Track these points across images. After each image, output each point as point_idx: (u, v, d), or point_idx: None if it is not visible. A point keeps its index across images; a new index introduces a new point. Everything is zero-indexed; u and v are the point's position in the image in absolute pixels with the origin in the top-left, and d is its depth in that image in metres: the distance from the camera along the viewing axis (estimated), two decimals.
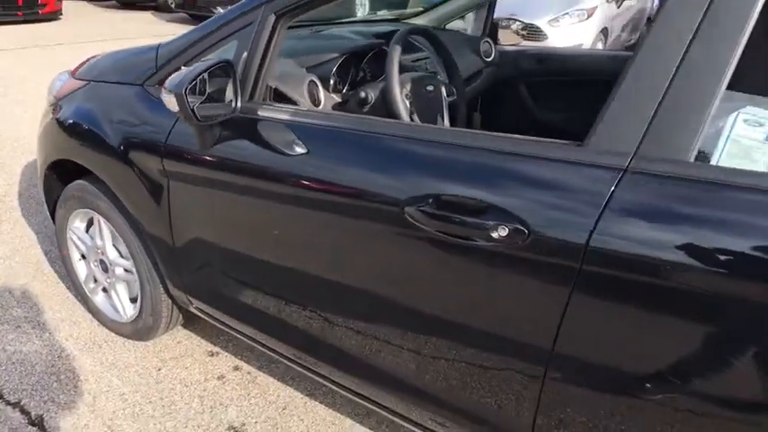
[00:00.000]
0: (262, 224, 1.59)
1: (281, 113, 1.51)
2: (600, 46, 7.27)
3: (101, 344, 2.21)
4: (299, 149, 1.43)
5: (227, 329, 1.89)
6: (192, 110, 1.38)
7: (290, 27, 1.60)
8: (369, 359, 1.48)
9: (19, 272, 2.65)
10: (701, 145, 0.97)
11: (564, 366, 1.14)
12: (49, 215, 2.38)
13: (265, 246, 1.62)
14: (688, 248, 0.95)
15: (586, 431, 1.17)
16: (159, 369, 2.10)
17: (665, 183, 0.98)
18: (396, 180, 1.27)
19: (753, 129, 0.96)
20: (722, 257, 0.93)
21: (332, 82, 1.91)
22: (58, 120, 2.06)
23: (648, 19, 8.96)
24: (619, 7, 7.71)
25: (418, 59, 2.25)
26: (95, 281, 2.25)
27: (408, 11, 2.97)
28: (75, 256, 2.28)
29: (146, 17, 12.24)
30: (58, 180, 2.22)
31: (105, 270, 2.15)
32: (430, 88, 1.83)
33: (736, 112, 0.97)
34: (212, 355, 2.19)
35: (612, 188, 1.01)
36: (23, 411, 1.88)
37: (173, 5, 11.92)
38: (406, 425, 1.53)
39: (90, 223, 2.17)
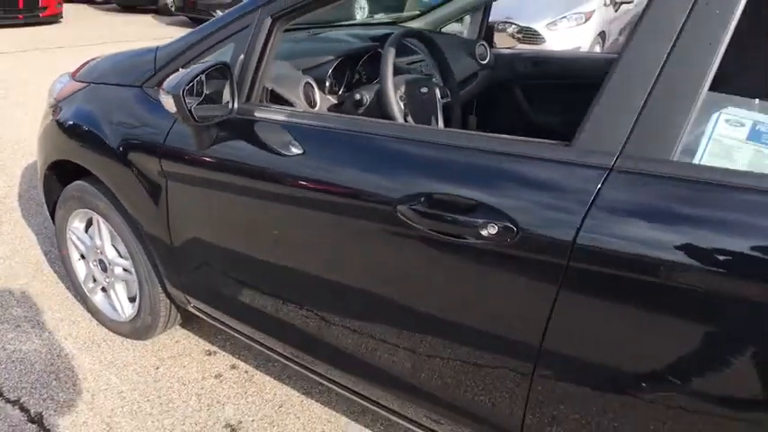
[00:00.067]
0: (258, 224, 1.61)
1: (277, 114, 1.53)
2: (597, 49, 7.30)
3: (99, 343, 2.23)
4: (295, 150, 1.45)
5: (224, 328, 1.92)
6: (190, 111, 1.41)
7: (286, 30, 1.63)
8: (364, 357, 1.50)
9: (19, 272, 2.67)
10: (684, 144, 1.00)
11: (552, 363, 1.17)
12: (48, 216, 2.41)
13: (262, 245, 1.64)
14: (672, 245, 0.97)
15: (575, 427, 1.19)
16: (157, 368, 2.12)
17: (650, 181, 1.01)
18: (388, 179, 1.29)
19: (734, 129, 0.99)
20: (705, 254, 0.95)
21: (328, 84, 1.94)
22: (58, 121, 2.09)
23: None
24: (616, 11, 7.74)
25: (413, 62, 2.28)
26: (94, 280, 2.27)
27: (405, 14, 3.01)
28: (75, 255, 2.30)
29: (146, 20, 12.28)
30: (58, 181, 2.24)
31: (104, 270, 2.18)
32: (424, 90, 1.86)
33: (718, 113, 1.00)
34: (210, 354, 2.21)
35: (599, 187, 1.04)
36: (23, 409, 1.90)
37: (172, 8, 11.96)
38: (401, 422, 1.55)
39: (89, 223, 2.20)
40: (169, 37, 1.94)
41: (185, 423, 1.88)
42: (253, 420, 1.90)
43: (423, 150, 1.28)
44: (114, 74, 1.99)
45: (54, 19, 10.67)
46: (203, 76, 1.43)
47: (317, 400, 1.99)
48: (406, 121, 1.82)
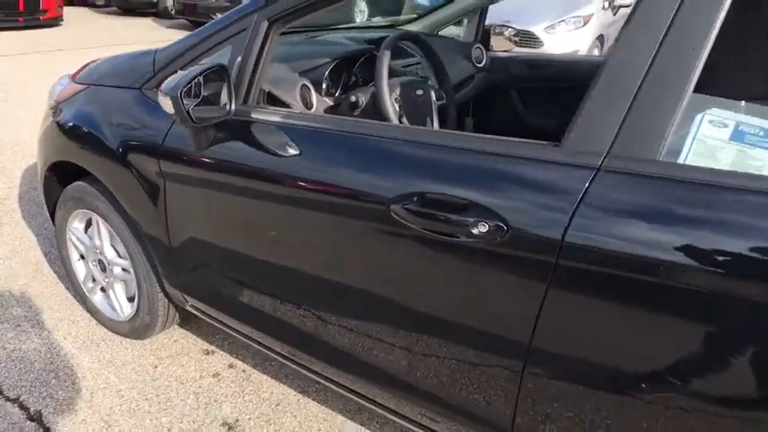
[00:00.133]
0: (255, 224, 1.64)
1: (273, 116, 1.56)
2: (596, 53, 7.33)
3: (98, 342, 2.25)
4: (292, 151, 1.48)
5: (222, 327, 1.94)
6: (188, 112, 1.43)
7: (284, 33, 1.66)
8: (361, 355, 1.52)
9: (19, 272, 2.69)
10: (669, 145, 1.02)
11: (541, 360, 1.19)
12: (48, 216, 2.43)
13: (259, 245, 1.66)
14: (658, 243, 1.00)
15: (564, 424, 1.21)
16: (156, 367, 2.14)
17: (636, 181, 1.03)
18: (382, 180, 1.32)
19: (718, 129, 1.01)
20: (690, 251, 0.97)
21: (324, 86, 1.97)
22: (58, 123, 2.12)
23: None
24: (615, 14, 7.78)
25: (409, 65, 2.31)
26: (94, 280, 2.29)
27: (402, 17, 3.03)
28: (74, 256, 2.32)
29: (146, 23, 12.33)
30: (58, 182, 2.27)
31: (103, 270, 2.20)
32: (419, 92, 1.88)
33: (702, 114, 1.02)
34: (208, 353, 2.23)
35: (586, 186, 1.06)
36: (22, 407, 1.92)
37: (173, 12, 12.01)
38: (397, 420, 1.57)
39: (89, 224, 2.22)
40: (169, 40, 1.96)
41: (183, 421, 1.90)
42: (250, 419, 1.92)
43: (415, 151, 1.31)
44: (114, 76, 2.02)
45: (54, 22, 10.71)
46: (201, 78, 1.46)
47: (313, 399, 2.01)
48: (401, 122, 1.84)
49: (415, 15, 2.98)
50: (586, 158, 1.08)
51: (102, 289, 2.28)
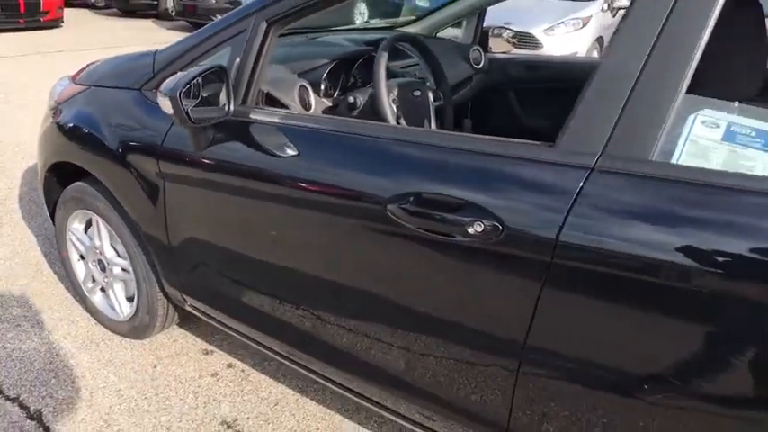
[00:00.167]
0: (253, 224, 1.65)
1: (272, 117, 1.57)
2: (595, 55, 7.36)
3: (98, 342, 2.26)
4: (290, 151, 1.49)
5: (221, 327, 1.95)
6: (186, 113, 1.44)
7: (282, 34, 1.67)
8: (358, 354, 1.53)
9: (19, 272, 2.71)
10: (662, 145, 1.03)
11: (536, 359, 1.20)
12: (48, 217, 2.44)
13: (257, 245, 1.68)
14: (650, 242, 1.01)
15: (559, 422, 1.22)
16: (155, 366, 2.15)
17: (630, 180, 1.04)
18: (379, 179, 1.33)
19: (710, 130, 1.02)
20: (682, 250, 0.98)
21: (323, 87, 1.98)
22: (58, 123, 2.13)
23: None
24: (614, 16, 7.80)
25: (407, 66, 2.32)
26: (93, 281, 2.30)
27: (401, 19, 3.05)
28: (74, 256, 2.34)
29: (146, 25, 12.35)
30: (58, 182, 2.28)
31: (103, 270, 2.21)
32: (417, 93, 1.90)
33: (695, 114, 1.03)
34: (207, 353, 2.24)
35: (581, 186, 1.07)
36: (22, 406, 1.94)
37: (173, 13, 12.04)
38: (394, 418, 1.58)
39: (88, 224, 2.23)
40: (169, 42, 1.98)
41: (182, 420, 1.91)
42: (248, 418, 1.93)
43: (411, 151, 1.32)
44: (113, 77, 2.03)
45: (55, 23, 10.73)
46: (200, 79, 1.47)
47: (311, 398, 2.02)
48: (398, 123, 1.85)
49: (413, 17, 3.00)
50: (580, 159, 1.09)
51: (102, 289, 2.29)
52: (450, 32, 3.07)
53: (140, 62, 1.95)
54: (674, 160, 1.05)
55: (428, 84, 2.12)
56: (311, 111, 1.86)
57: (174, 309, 2.16)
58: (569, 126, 1.12)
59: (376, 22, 3.14)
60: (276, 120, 1.56)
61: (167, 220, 1.82)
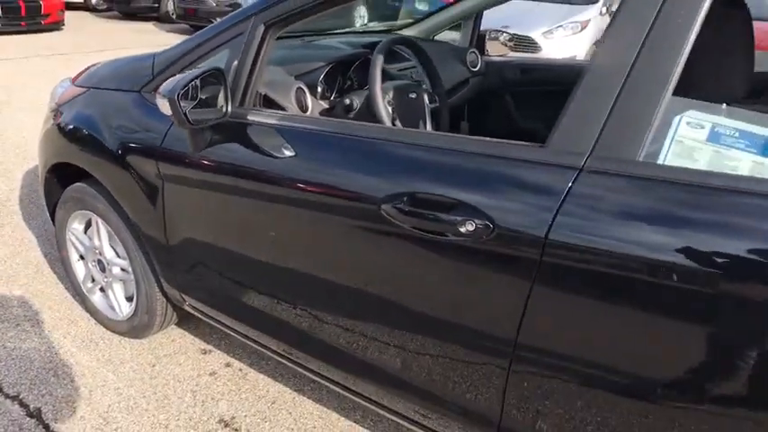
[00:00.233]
0: (251, 224, 1.67)
1: (269, 118, 1.60)
2: None
3: (97, 341, 2.28)
4: (287, 152, 1.51)
5: (219, 326, 1.97)
6: (185, 114, 1.47)
7: (280, 37, 1.69)
8: (355, 353, 1.55)
9: (19, 273, 2.73)
10: (649, 145, 1.06)
11: (528, 355, 1.22)
12: (49, 218, 2.47)
13: (255, 245, 1.70)
14: (636, 240, 1.03)
15: (552, 419, 1.24)
16: (153, 365, 2.17)
17: (617, 180, 1.07)
18: (374, 180, 1.36)
19: (695, 130, 1.05)
20: (667, 248, 1.01)
21: (320, 89, 2.01)
22: (58, 125, 2.15)
23: None
24: None
25: (404, 69, 2.35)
26: (93, 280, 2.33)
27: (399, 22, 3.08)
28: (74, 256, 2.36)
29: (147, 27, 12.38)
30: (58, 183, 2.30)
31: (103, 270, 2.24)
32: (412, 95, 1.92)
33: (680, 116, 1.06)
34: (205, 352, 2.26)
35: (570, 185, 1.10)
36: (22, 404, 1.96)
37: (173, 16, 12.08)
38: (391, 417, 1.60)
39: (88, 224, 2.26)
40: (169, 44, 2.00)
41: (180, 418, 1.93)
42: (246, 416, 1.95)
43: (405, 152, 1.34)
44: (113, 79, 2.06)
45: (56, 26, 10.78)
46: (198, 81, 1.49)
47: (308, 397, 2.04)
48: (394, 124, 1.88)
49: (411, 20, 3.03)
50: (570, 159, 1.11)
51: (102, 289, 2.31)
52: (448, 36, 3.10)
53: (140, 64, 1.98)
54: (660, 161, 1.07)
55: (424, 86, 2.15)
56: (308, 113, 1.88)
57: (173, 308, 2.18)
58: (559, 127, 1.14)
59: (374, 26, 3.17)
60: (273, 121, 1.58)
61: (166, 221, 1.84)
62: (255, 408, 1.99)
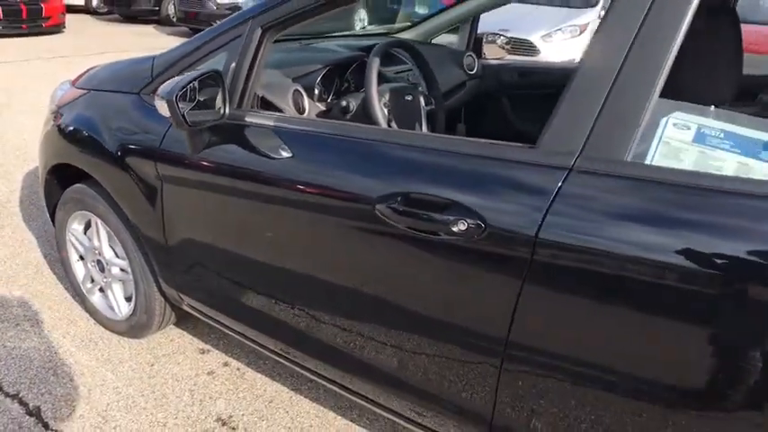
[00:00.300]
0: (248, 224, 1.69)
1: (266, 120, 1.62)
2: None
3: (96, 341, 2.30)
4: (283, 153, 1.54)
5: (217, 326, 1.99)
6: (183, 115, 1.49)
7: (279, 40, 1.72)
8: (351, 352, 1.57)
9: (19, 273, 2.75)
10: (637, 146, 1.08)
11: (519, 353, 1.24)
12: (49, 219, 2.49)
13: (252, 245, 1.72)
14: (625, 239, 1.05)
15: (545, 418, 1.26)
16: (152, 365, 2.19)
17: (605, 180, 1.09)
18: (368, 180, 1.38)
19: (681, 131, 1.07)
20: (653, 246, 1.03)
21: (317, 91, 2.03)
22: (59, 126, 2.18)
23: None
24: None
25: (401, 71, 2.37)
26: (92, 281, 2.35)
27: (397, 26, 3.10)
28: (74, 257, 2.38)
29: (147, 30, 12.42)
30: (59, 184, 2.32)
31: (102, 270, 2.26)
32: (408, 98, 1.94)
33: (667, 117, 1.08)
34: (203, 352, 2.28)
35: (559, 185, 1.12)
36: (22, 403, 1.98)
37: (174, 19, 12.12)
38: (387, 415, 1.62)
39: (88, 225, 2.28)
40: (169, 47, 2.02)
41: (178, 417, 1.95)
42: (243, 415, 1.97)
43: (399, 153, 1.37)
44: (113, 81, 2.08)
45: (57, 29, 10.83)
46: (196, 83, 1.52)
47: (305, 396, 2.06)
48: (390, 126, 1.90)
49: (409, 24, 3.05)
50: (560, 159, 1.14)
51: (101, 289, 2.33)
52: (446, 39, 3.13)
53: (139, 67, 2.00)
54: (647, 161, 1.10)
55: (420, 89, 2.17)
56: (305, 114, 1.90)
57: (172, 308, 2.20)
58: (550, 128, 1.16)
59: (372, 29, 3.20)
60: (270, 123, 1.60)
61: (164, 221, 1.86)
62: (253, 406, 2.01)
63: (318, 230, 1.52)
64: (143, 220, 1.94)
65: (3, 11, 9.73)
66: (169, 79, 1.60)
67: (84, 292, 2.38)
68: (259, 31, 1.62)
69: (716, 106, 1.19)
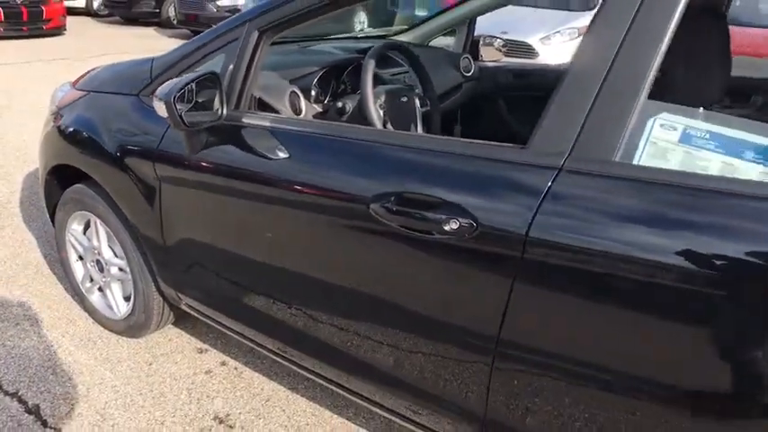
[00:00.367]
0: (245, 224, 1.71)
1: (263, 121, 1.64)
2: None
3: (95, 340, 2.32)
4: (280, 154, 1.56)
5: (215, 325, 2.01)
6: (180, 116, 1.51)
7: (276, 43, 1.74)
8: (348, 350, 1.59)
9: (19, 273, 2.77)
10: (624, 146, 1.10)
11: (510, 350, 1.25)
12: (48, 220, 2.51)
13: (249, 244, 1.74)
14: (613, 237, 1.08)
15: (533, 412, 1.28)
16: (150, 364, 2.21)
17: (594, 179, 1.11)
18: (363, 180, 1.40)
19: (668, 132, 1.09)
20: (640, 244, 1.05)
21: (313, 93, 2.05)
22: (59, 128, 2.20)
23: None
24: None
25: (397, 74, 2.40)
26: (91, 280, 2.37)
27: (394, 28, 3.12)
28: (73, 256, 2.40)
29: (148, 33, 12.45)
30: (58, 185, 2.34)
31: (101, 270, 2.28)
32: (404, 99, 1.97)
33: (654, 118, 1.10)
34: (201, 351, 2.30)
35: (549, 185, 1.14)
36: (21, 401, 1.99)
37: (175, 22, 12.16)
38: (383, 413, 1.63)
39: (87, 225, 2.30)
40: (169, 49, 2.05)
41: (176, 415, 1.97)
42: (240, 413, 1.99)
43: (394, 153, 1.39)
44: (113, 83, 2.11)
45: (57, 31, 10.87)
46: (194, 85, 1.54)
47: (302, 395, 2.08)
48: (385, 127, 1.92)
49: (406, 26, 3.07)
50: (550, 159, 1.16)
51: (100, 288, 2.35)
52: (443, 41, 3.15)
53: (139, 68, 2.03)
54: (635, 161, 1.12)
55: (416, 90, 2.20)
56: (301, 116, 1.92)
57: (170, 308, 2.22)
58: (540, 128, 1.19)
59: (369, 31, 3.22)
60: (267, 124, 1.62)
61: (163, 221, 1.88)
62: (250, 405, 2.03)
63: (314, 230, 1.55)
64: (142, 220, 1.96)
65: (4, 13, 9.78)
66: (168, 80, 1.63)
67: (84, 291, 2.40)
68: (256, 34, 1.64)
69: (705, 108, 1.21)
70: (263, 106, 1.83)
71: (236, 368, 2.21)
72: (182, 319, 2.37)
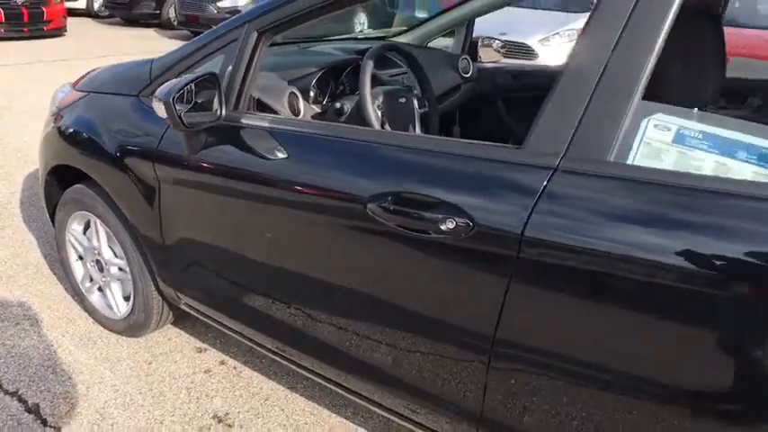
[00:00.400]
0: (244, 224, 1.72)
1: (262, 121, 1.65)
2: None
3: (95, 340, 2.33)
4: (279, 154, 1.57)
5: (214, 325, 2.02)
6: (179, 117, 1.52)
7: (276, 44, 1.75)
8: (347, 349, 1.60)
9: (19, 273, 2.78)
10: (619, 147, 1.11)
11: (506, 349, 1.26)
12: (49, 220, 2.52)
13: (248, 244, 1.75)
14: (606, 236, 1.09)
15: (529, 411, 1.29)
16: (150, 363, 2.22)
17: (589, 179, 1.12)
18: (361, 180, 1.41)
19: (662, 132, 1.10)
20: (634, 243, 1.06)
21: (312, 94, 2.06)
22: (59, 128, 2.21)
23: None
24: None
25: (395, 75, 2.41)
26: (91, 280, 2.38)
27: (393, 29, 3.14)
28: (73, 256, 2.41)
29: (148, 34, 12.46)
30: (58, 185, 2.36)
31: (101, 270, 2.29)
32: (402, 100, 1.98)
33: (648, 118, 1.11)
34: (200, 351, 2.31)
35: (544, 185, 1.15)
36: (21, 400, 2.00)
37: (175, 23, 12.17)
38: (381, 412, 1.64)
39: (87, 225, 2.31)
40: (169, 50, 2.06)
41: (175, 414, 1.98)
42: (239, 412, 2.00)
43: (391, 153, 1.40)
44: (113, 84, 2.12)
45: (58, 32, 10.88)
46: (193, 86, 1.55)
47: (301, 394, 2.09)
48: (383, 128, 1.93)
49: (405, 28, 3.09)
50: (545, 159, 1.17)
51: (100, 288, 2.36)
52: (442, 42, 3.16)
53: (138, 69, 2.04)
54: (629, 161, 1.13)
55: (414, 91, 2.21)
56: (300, 116, 1.93)
57: (169, 307, 2.23)
58: (536, 128, 1.20)
59: (369, 32, 3.24)
60: (266, 124, 1.64)
61: (162, 221, 1.89)
62: (249, 404, 2.04)
63: (312, 230, 1.56)
64: (141, 221, 1.97)
65: (4, 14, 9.79)
66: (167, 82, 1.64)
67: (83, 291, 2.41)
68: (255, 35, 1.65)
69: (700, 108, 1.22)
70: (261, 107, 1.85)
71: (235, 367, 2.22)
72: (181, 319, 2.38)
